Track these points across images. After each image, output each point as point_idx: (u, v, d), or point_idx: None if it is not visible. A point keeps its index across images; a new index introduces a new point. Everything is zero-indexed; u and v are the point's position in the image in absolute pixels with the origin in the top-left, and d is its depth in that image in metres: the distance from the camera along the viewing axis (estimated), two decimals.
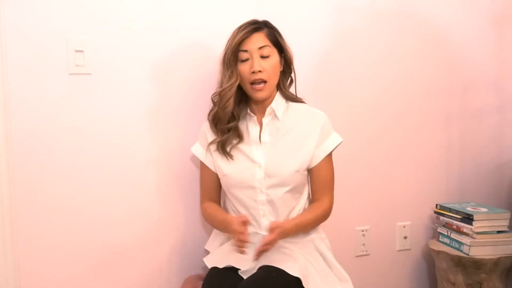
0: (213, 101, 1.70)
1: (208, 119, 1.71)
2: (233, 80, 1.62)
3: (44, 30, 1.67)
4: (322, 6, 2.01)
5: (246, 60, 1.62)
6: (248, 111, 1.70)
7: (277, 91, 1.70)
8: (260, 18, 1.69)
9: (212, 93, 1.71)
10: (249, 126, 1.69)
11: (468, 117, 2.28)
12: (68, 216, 1.74)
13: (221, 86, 1.65)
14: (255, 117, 1.69)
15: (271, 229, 1.53)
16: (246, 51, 1.61)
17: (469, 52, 2.26)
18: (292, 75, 1.73)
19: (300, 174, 1.65)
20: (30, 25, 1.66)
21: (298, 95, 1.76)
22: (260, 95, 1.63)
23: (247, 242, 1.51)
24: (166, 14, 1.81)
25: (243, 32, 1.62)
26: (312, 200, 1.73)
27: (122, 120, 1.78)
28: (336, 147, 1.69)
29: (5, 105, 1.64)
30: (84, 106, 1.74)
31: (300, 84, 1.80)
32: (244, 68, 1.62)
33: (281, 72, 1.69)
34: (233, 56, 1.62)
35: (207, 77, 1.82)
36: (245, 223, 1.53)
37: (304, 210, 1.69)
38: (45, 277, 1.72)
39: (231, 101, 1.62)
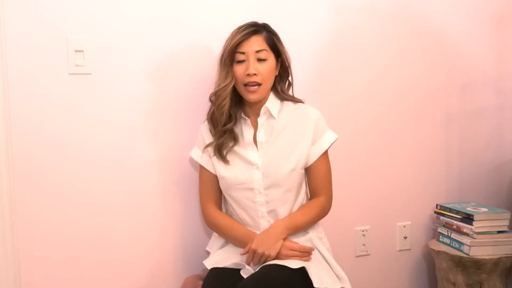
0: (211, 101, 1.70)
1: (207, 119, 1.71)
2: (228, 80, 1.62)
3: (44, 30, 1.67)
4: (321, 5, 2.01)
5: (242, 61, 1.62)
6: (242, 114, 1.70)
7: (271, 91, 1.69)
8: (258, 18, 1.69)
9: (211, 93, 1.71)
10: (243, 129, 1.69)
11: (468, 117, 2.28)
12: (68, 216, 1.74)
13: (218, 85, 1.65)
14: (248, 120, 1.69)
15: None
16: (243, 53, 1.61)
17: (469, 52, 2.26)
18: (290, 78, 1.73)
19: (297, 173, 1.65)
20: (30, 25, 1.66)
21: (297, 96, 1.76)
22: (252, 96, 1.63)
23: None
24: (166, 14, 1.81)
25: (241, 34, 1.61)
26: (311, 197, 1.73)
27: (122, 120, 1.78)
28: (331, 145, 1.70)
29: (5, 104, 1.64)
30: (84, 106, 1.73)
31: (299, 83, 1.80)
32: (239, 69, 1.62)
33: (277, 75, 1.69)
34: (230, 56, 1.62)
35: (207, 77, 1.82)
36: None
37: (301, 208, 1.68)
38: (45, 276, 1.72)
39: (227, 100, 1.63)
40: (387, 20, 2.12)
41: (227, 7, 1.89)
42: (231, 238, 1.69)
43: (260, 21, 1.69)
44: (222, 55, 1.64)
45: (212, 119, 1.68)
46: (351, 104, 2.09)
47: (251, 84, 1.61)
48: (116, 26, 1.75)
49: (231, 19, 1.75)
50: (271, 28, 1.68)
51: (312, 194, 1.72)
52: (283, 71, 1.71)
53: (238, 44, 1.61)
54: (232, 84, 1.63)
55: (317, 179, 1.69)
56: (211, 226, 1.75)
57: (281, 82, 1.72)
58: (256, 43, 1.62)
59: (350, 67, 2.08)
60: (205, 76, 1.83)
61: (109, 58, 1.75)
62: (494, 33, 2.30)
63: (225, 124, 1.66)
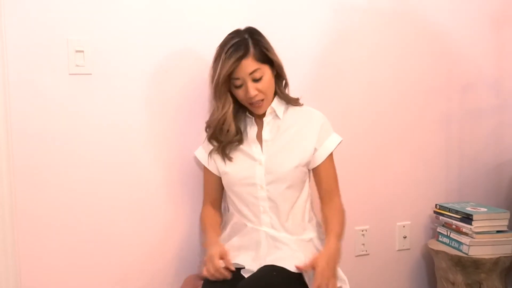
0: (208, 126, 1.70)
1: (208, 140, 1.72)
2: (226, 109, 1.64)
3: (45, 31, 1.67)
4: (321, 6, 2.01)
5: (241, 86, 1.62)
6: (247, 113, 1.72)
7: (275, 96, 1.70)
8: (258, 18, 1.69)
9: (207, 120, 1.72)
10: (248, 127, 1.71)
11: (468, 117, 2.28)
12: (69, 216, 1.74)
13: (217, 115, 1.65)
14: (253, 118, 1.71)
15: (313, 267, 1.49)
16: (238, 78, 1.61)
17: (469, 52, 2.26)
18: (285, 78, 1.73)
19: (299, 170, 1.66)
20: (30, 25, 1.66)
21: (297, 95, 1.76)
22: (260, 110, 1.67)
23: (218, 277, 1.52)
24: (166, 15, 1.81)
25: (231, 62, 1.58)
26: (322, 201, 1.71)
27: (123, 119, 1.78)
28: (336, 146, 1.71)
29: (6, 105, 1.64)
30: (85, 106, 1.74)
31: (299, 83, 1.81)
32: (240, 93, 1.63)
33: (275, 77, 1.69)
34: (225, 85, 1.62)
35: (207, 76, 1.82)
36: (224, 256, 1.55)
37: (329, 219, 1.66)
38: (46, 276, 1.72)
39: (231, 124, 1.65)
40: (386, 21, 2.12)
41: (227, 8, 1.88)
42: (203, 233, 1.78)
43: (260, 22, 1.69)
44: (216, 83, 1.62)
45: (214, 138, 1.69)
46: (351, 105, 2.10)
47: (255, 102, 1.64)
48: (116, 26, 1.75)
49: (232, 20, 1.75)
50: (256, 36, 1.64)
51: (326, 195, 1.70)
52: (278, 72, 1.70)
53: (231, 72, 1.60)
54: (231, 109, 1.65)
55: (329, 180, 1.70)
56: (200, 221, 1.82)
57: (279, 83, 1.72)
58: (248, 66, 1.59)
59: (350, 68, 2.08)
60: (205, 76, 1.83)
61: (110, 58, 1.75)
62: (494, 33, 2.30)
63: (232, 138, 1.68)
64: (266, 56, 1.63)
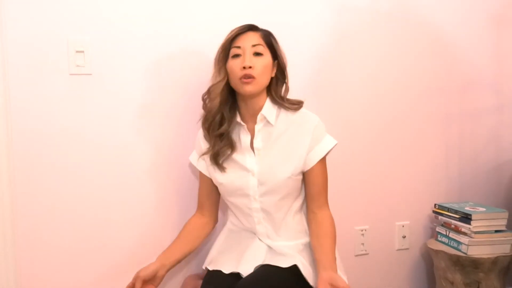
0: (203, 100, 1.67)
1: (201, 125, 1.67)
2: (221, 77, 1.59)
3: (45, 31, 1.68)
4: (322, 7, 2.02)
5: (238, 55, 1.57)
6: (239, 119, 1.64)
7: (267, 97, 1.64)
8: (260, 19, 1.69)
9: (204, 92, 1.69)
10: (241, 135, 1.64)
11: (467, 118, 2.28)
12: (68, 217, 1.74)
13: (211, 83, 1.63)
14: (245, 126, 1.63)
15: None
16: (239, 47, 1.57)
17: (468, 52, 2.26)
18: (286, 81, 1.67)
19: (292, 180, 1.60)
20: (31, 25, 1.66)
21: (297, 97, 1.71)
22: (247, 88, 1.56)
23: None
24: (166, 16, 1.82)
25: (237, 29, 1.60)
26: (309, 207, 1.65)
27: (123, 120, 1.79)
28: (330, 151, 1.63)
29: (6, 105, 1.65)
30: (85, 106, 1.74)
31: (300, 85, 1.80)
32: (235, 63, 1.57)
33: (274, 78, 1.64)
34: (224, 52, 1.60)
35: (207, 77, 1.82)
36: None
37: (320, 235, 1.58)
38: (45, 279, 1.73)
39: (217, 98, 1.59)
40: (386, 22, 2.12)
41: (229, 9, 1.89)
42: None
43: (260, 22, 1.69)
44: (217, 51, 1.62)
45: (205, 123, 1.64)
46: (351, 104, 2.09)
47: (246, 76, 1.56)
48: (116, 27, 1.76)
49: (233, 21, 1.74)
50: (268, 30, 1.65)
51: (313, 201, 1.63)
52: (280, 74, 1.66)
53: (234, 38, 1.59)
54: (225, 81, 1.59)
55: (318, 186, 1.62)
56: None
57: (278, 86, 1.66)
58: (253, 37, 1.59)
59: (350, 68, 2.08)
60: (205, 76, 1.83)
61: (110, 58, 1.76)
62: (493, 33, 2.30)
63: (218, 128, 1.62)
64: (272, 45, 1.62)
